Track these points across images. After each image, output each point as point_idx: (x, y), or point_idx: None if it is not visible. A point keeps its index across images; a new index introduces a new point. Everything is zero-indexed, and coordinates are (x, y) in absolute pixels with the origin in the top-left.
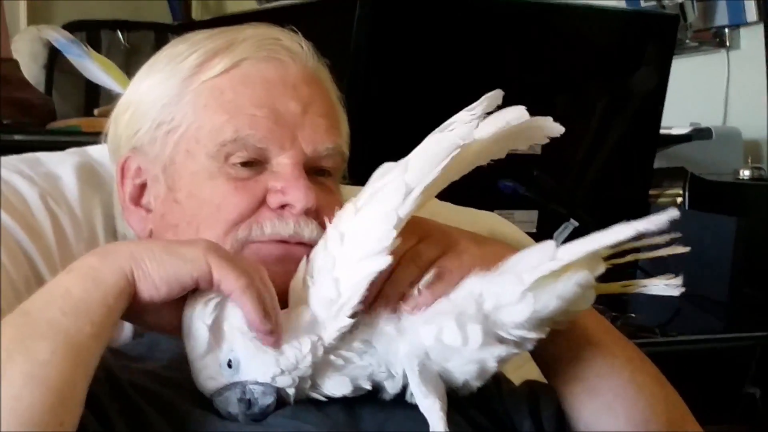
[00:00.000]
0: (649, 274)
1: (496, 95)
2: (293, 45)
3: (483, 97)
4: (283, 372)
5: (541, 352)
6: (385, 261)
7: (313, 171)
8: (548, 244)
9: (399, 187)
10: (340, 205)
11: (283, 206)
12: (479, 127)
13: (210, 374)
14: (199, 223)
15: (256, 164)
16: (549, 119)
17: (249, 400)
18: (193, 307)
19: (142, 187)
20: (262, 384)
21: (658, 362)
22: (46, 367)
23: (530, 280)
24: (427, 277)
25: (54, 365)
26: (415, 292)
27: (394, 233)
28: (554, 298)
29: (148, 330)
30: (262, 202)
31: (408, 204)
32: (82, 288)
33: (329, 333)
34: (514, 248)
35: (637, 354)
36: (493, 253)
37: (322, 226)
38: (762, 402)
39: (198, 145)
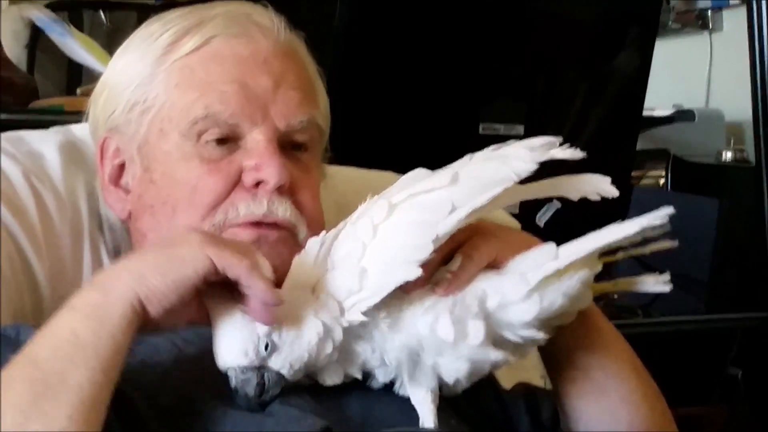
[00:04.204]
0: (633, 257)
1: (554, 142)
2: (264, 20)
3: (543, 142)
4: (300, 368)
5: (550, 348)
6: (416, 273)
7: (290, 146)
8: (549, 246)
9: (444, 200)
10: (317, 184)
11: (257, 184)
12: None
13: (245, 349)
14: (175, 204)
15: (229, 141)
16: (606, 179)
17: (263, 385)
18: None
19: (121, 168)
20: (277, 374)
21: (641, 343)
22: None
23: (535, 279)
24: (458, 259)
25: (73, 429)
26: (448, 275)
27: (432, 248)
28: (560, 295)
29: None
30: (237, 182)
31: (450, 222)
32: (88, 330)
33: (337, 326)
34: (535, 238)
35: (640, 364)
36: (517, 238)
37: (296, 206)
38: (743, 383)
39: (171, 124)
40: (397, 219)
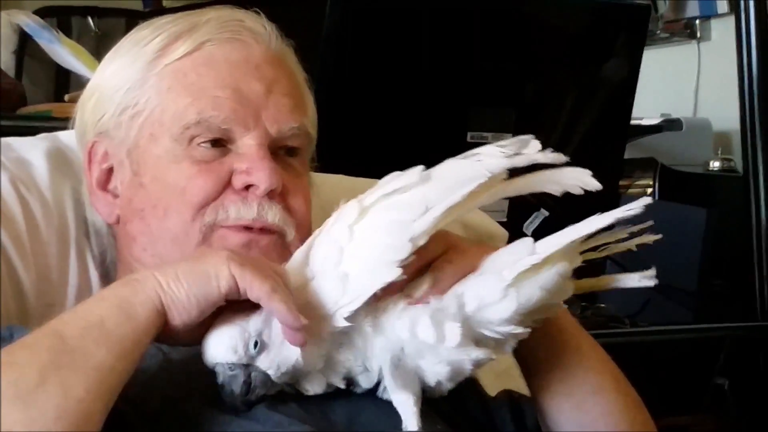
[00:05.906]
0: (620, 264)
1: (527, 141)
2: (256, 26)
3: (515, 139)
4: (288, 371)
5: (528, 362)
6: (396, 273)
7: (281, 150)
8: (526, 241)
9: (418, 198)
10: (307, 189)
11: (247, 187)
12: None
13: (234, 345)
14: (166, 207)
15: (220, 144)
16: (587, 172)
17: (250, 384)
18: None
19: (110, 172)
20: (264, 374)
21: (628, 353)
22: (80, 406)
23: (511, 276)
24: (435, 270)
25: (86, 404)
26: (425, 285)
27: (410, 247)
28: (537, 288)
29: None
30: (227, 184)
31: (426, 221)
32: (116, 320)
33: (323, 334)
34: None
35: (621, 375)
36: (494, 251)
37: (287, 210)
38: (730, 393)
39: (162, 128)
40: (372, 220)
